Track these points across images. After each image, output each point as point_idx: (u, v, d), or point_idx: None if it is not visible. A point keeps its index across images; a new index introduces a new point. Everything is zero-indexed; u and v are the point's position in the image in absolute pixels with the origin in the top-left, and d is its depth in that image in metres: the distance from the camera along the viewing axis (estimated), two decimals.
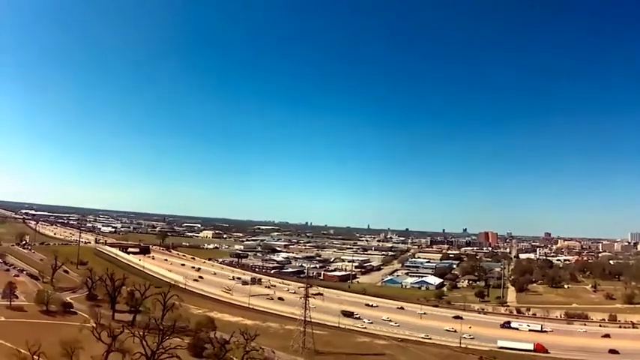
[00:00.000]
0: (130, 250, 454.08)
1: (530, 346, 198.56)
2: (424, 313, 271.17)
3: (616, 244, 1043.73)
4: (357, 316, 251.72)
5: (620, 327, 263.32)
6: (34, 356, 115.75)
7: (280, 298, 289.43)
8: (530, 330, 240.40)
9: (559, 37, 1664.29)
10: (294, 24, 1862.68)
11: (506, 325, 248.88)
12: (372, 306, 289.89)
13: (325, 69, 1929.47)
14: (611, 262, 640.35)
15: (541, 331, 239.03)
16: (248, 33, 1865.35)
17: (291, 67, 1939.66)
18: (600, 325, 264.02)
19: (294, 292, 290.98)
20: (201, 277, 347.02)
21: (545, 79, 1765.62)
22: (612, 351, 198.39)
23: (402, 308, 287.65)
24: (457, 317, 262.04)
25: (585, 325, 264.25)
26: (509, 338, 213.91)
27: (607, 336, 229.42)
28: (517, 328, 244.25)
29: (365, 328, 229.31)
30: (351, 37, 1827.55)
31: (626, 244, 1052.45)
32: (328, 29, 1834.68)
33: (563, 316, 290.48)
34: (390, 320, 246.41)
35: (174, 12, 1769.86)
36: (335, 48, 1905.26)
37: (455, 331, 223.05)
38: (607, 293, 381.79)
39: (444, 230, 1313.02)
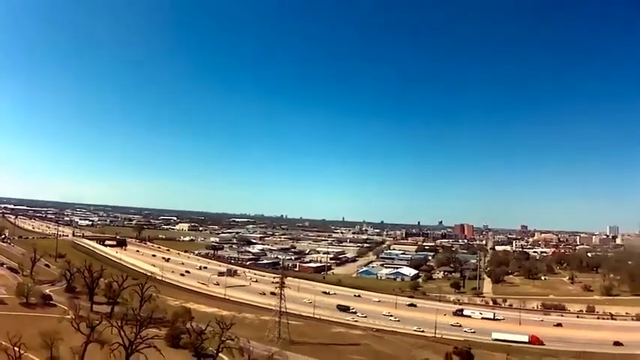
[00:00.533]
0: (107, 242, 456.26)
1: (525, 338, 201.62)
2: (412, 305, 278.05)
3: (594, 237, 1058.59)
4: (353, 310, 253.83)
5: (598, 318, 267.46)
6: (15, 347, 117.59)
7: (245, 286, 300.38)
8: (482, 318, 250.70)
9: (538, 32, 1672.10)
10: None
11: (458, 313, 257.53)
12: (329, 293, 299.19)
13: (309, 58, 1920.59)
14: (589, 254, 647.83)
15: (493, 319, 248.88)
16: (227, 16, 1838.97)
17: (273, 58, 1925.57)
18: (577, 317, 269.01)
19: (271, 283, 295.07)
20: (188, 271, 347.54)
21: (523, 73, 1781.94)
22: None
23: (358, 297, 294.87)
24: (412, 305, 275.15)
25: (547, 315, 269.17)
26: (463, 325, 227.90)
27: (559, 325, 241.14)
28: (469, 316, 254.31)
29: (356, 321, 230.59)
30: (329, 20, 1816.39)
31: (605, 237, 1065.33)
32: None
33: (539, 307, 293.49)
34: (391, 315, 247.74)
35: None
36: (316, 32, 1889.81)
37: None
38: (585, 285, 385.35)
39: (419, 223, 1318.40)
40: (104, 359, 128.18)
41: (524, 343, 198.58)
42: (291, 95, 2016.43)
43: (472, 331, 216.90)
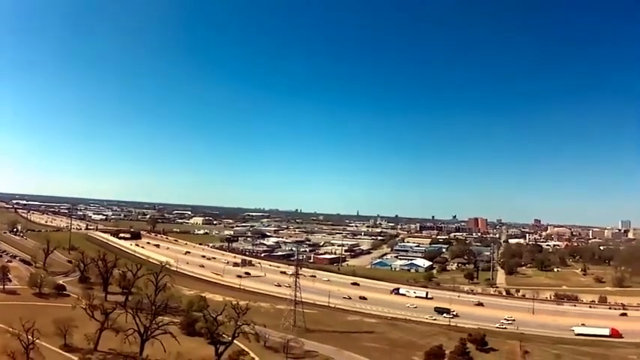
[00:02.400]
0: (121, 235, 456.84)
1: (607, 332, 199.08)
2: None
3: (606, 231, 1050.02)
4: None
5: (610, 308, 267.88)
6: (28, 334, 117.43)
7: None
8: (416, 297, 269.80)
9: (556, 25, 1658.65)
10: None
11: (394, 292, 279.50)
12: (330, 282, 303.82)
13: (314, 60, 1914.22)
14: (601, 247, 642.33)
15: (426, 298, 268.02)
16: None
17: (284, 55, 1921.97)
18: (590, 307, 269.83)
19: (284, 274, 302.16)
20: (203, 263, 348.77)
21: (537, 65, 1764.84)
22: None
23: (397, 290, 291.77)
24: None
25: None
26: (399, 303, 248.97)
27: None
28: (405, 294, 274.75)
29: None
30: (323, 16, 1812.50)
31: (617, 231, 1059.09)
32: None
33: (552, 297, 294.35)
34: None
35: None
36: (330, 41, 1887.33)
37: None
38: (597, 277, 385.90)
39: (433, 217, 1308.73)
40: (119, 345, 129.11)
41: (606, 336, 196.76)
42: (305, 92, 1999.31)
43: (414, 306, 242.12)
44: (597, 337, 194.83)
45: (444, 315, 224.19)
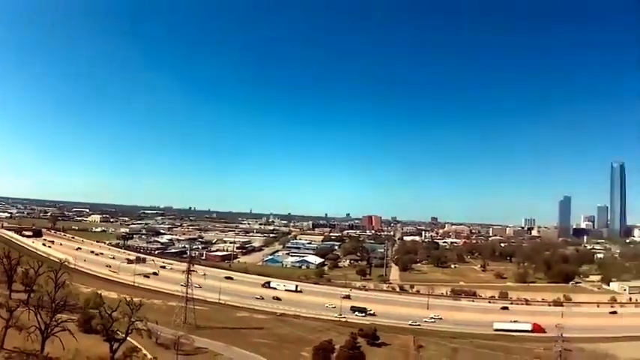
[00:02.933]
0: (24, 233, 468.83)
1: (528, 327, 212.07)
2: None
3: (508, 228, 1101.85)
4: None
5: (512, 303, 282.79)
6: None
7: (155, 274, 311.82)
8: (285, 290, 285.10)
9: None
10: None
11: (265, 285, 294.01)
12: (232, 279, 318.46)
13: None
14: (502, 244, 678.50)
15: (295, 291, 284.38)
16: None
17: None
18: (489, 302, 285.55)
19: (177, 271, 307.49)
20: (99, 260, 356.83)
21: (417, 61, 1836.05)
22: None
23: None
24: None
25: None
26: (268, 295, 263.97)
27: (347, 297, 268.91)
28: (275, 288, 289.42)
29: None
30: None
31: (520, 229, 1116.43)
32: None
33: (449, 293, 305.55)
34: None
35: None
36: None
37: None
38: (497, 272, 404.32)
39: (326, 215, 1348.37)
40: (22, 343, 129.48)
41: (528, 331, 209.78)
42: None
43: (333, 306, 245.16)
44: (519, 332, 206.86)
45: (356, 313, 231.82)
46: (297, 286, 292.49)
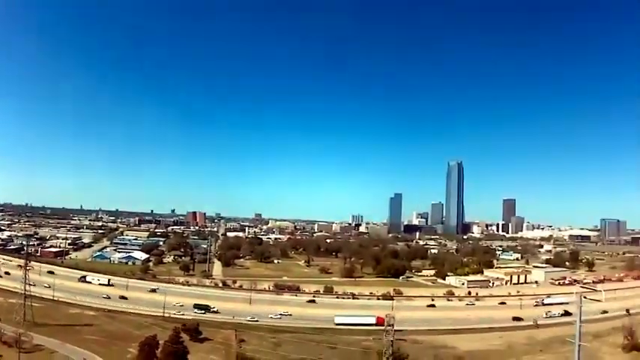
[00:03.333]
0: None
1: (373, 320, 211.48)
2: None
3: (334, 225, 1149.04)
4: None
5: (337, 297, 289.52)
6: None
7: (7, 273, 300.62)
8: (99, 284, 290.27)
9: None
10: None
11: (81, 279, 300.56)
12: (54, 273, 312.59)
13: None
14: (327, 240, 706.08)
15: (108, 285, 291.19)
16: None
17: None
18: (314, 296, 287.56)
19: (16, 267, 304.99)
20: None
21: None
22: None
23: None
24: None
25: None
26: (87, 290, 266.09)
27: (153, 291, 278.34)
28: (90, 282, 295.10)
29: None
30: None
31: (347, 225, 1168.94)
32: None
33: (271, 287, 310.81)
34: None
35: None
36: None
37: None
38: (322, 267, 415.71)
39: (152, 211, 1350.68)
40: None
41: (372, 325, 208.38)
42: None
43: (105, 295, 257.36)
44: (363, 326, 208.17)
45: (196, 311, 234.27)
46: (109, 280, 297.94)
